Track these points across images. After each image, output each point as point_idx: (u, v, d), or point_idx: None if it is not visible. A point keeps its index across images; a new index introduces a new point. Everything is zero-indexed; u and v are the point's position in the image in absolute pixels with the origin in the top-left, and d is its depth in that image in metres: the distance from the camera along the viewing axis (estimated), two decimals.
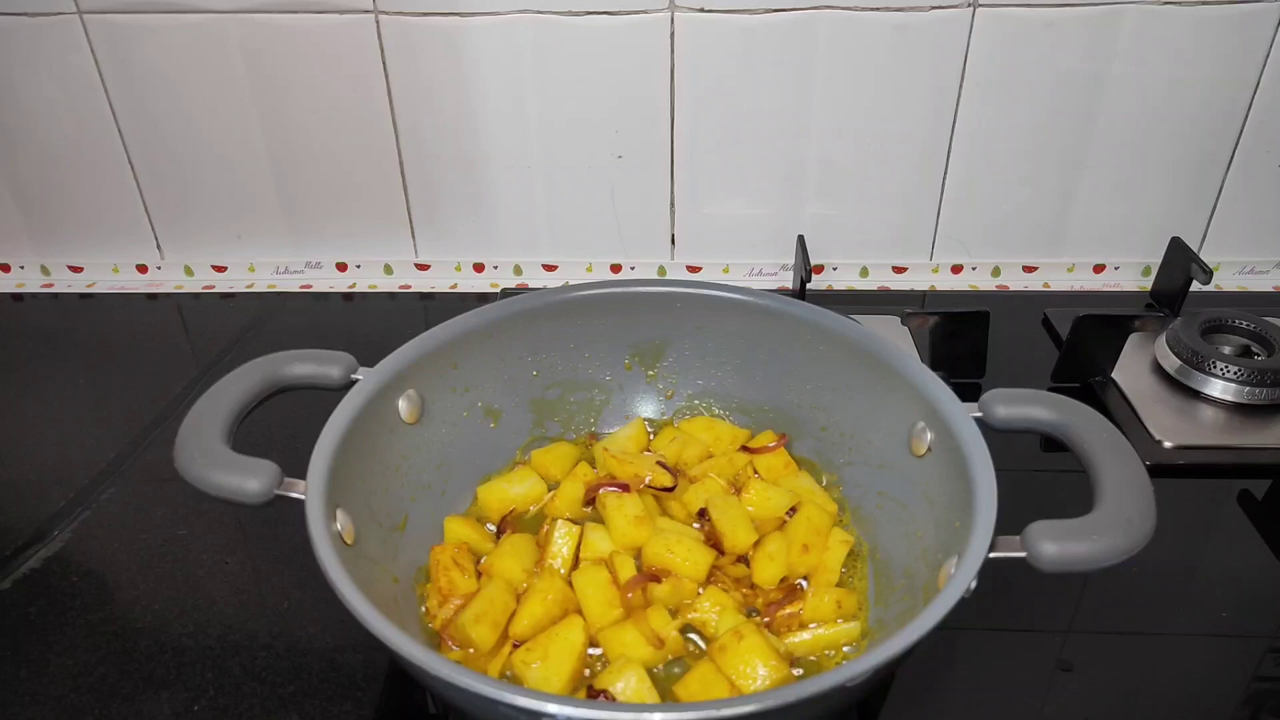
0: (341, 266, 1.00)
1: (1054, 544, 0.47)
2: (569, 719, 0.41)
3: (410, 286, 0.99)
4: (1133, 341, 0.82)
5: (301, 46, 0.86)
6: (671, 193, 0.93)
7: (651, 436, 0.71)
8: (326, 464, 0.52)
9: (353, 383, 0.59)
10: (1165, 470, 0.71)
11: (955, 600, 0.44)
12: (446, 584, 0.57)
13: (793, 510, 0.62)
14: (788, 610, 0.56)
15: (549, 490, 0.66)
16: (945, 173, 0.91)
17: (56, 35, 0.86)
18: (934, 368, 0.60)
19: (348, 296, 0.98)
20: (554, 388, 0.71)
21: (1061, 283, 0.98)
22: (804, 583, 0.59)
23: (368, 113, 0.89)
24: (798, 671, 0.54)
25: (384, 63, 0.86)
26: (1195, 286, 0.85)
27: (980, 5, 0.82)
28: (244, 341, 0.90)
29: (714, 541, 0.60)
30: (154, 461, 0.74)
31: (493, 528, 0.64)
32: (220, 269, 1.00)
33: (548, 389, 0.70)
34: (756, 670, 0.51)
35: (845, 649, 0.55)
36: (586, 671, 0.54)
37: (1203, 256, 0.92)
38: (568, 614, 0.56)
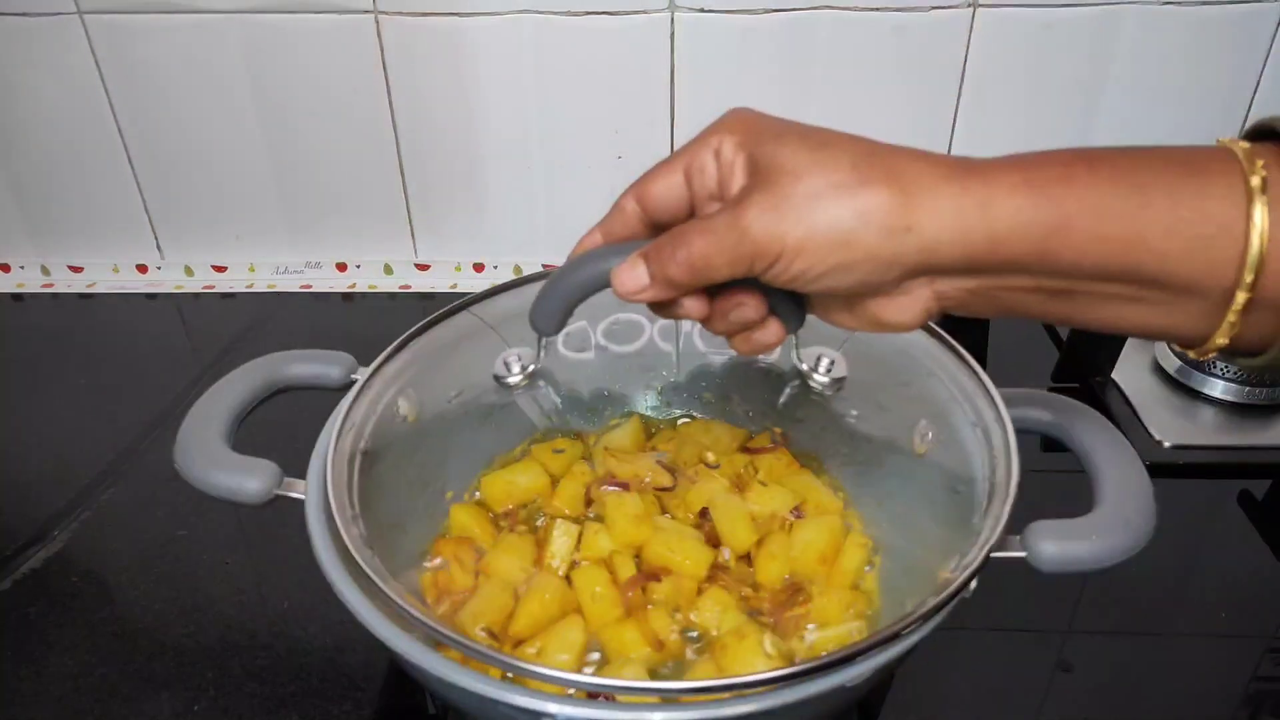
0: (341, 266, 1.00)
1: (1054, 544, 0.47)
2: (569, 719, 0.41)
3: (410, 286, 0.99)
4: (1133, 341, 0.82)
5: (301, 46, 0.86)
6: None
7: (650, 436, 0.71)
8: (326, 464, 0.52)
9: (353, 382, 0.59)
10: (1165, 470, 0.71)
11: (955, 600, 0.44)
12: (445, 578, 0.57)
13: (797, 511, 0.62)
14: (795, 612, 0.56)
15: (551, 482, 0.66)
16: None
17: (56, 35, 0.86)
18: None
19: (348, 296, 0.98)
20: (554, 387, 0.71)
21: None
22: (809, 584, 0.59)
23: (368, 113, 0.89)
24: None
25: (384, 63, 0.86)
26: None
27: (980, 5, 0.82)
28: (244, 341, 0.90)
29: (715, 541, 0.60)
30: (154, 461, 0.74)
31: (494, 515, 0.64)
32: (220, 269, 1.00)
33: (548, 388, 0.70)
34: (758, 670, 0.51)
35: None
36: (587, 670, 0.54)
37: None
38: (567, 613, 0.56)
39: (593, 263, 0.45)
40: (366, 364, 0.60)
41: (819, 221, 0.37)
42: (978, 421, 0.55)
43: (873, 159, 0.37)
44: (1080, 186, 0.36)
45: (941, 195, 0.36)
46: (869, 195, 0.36)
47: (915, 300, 0.40)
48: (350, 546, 0.46)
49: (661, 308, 0.44)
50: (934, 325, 0.60)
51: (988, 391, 0.54)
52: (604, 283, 0.44)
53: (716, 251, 0.39)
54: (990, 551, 0.47)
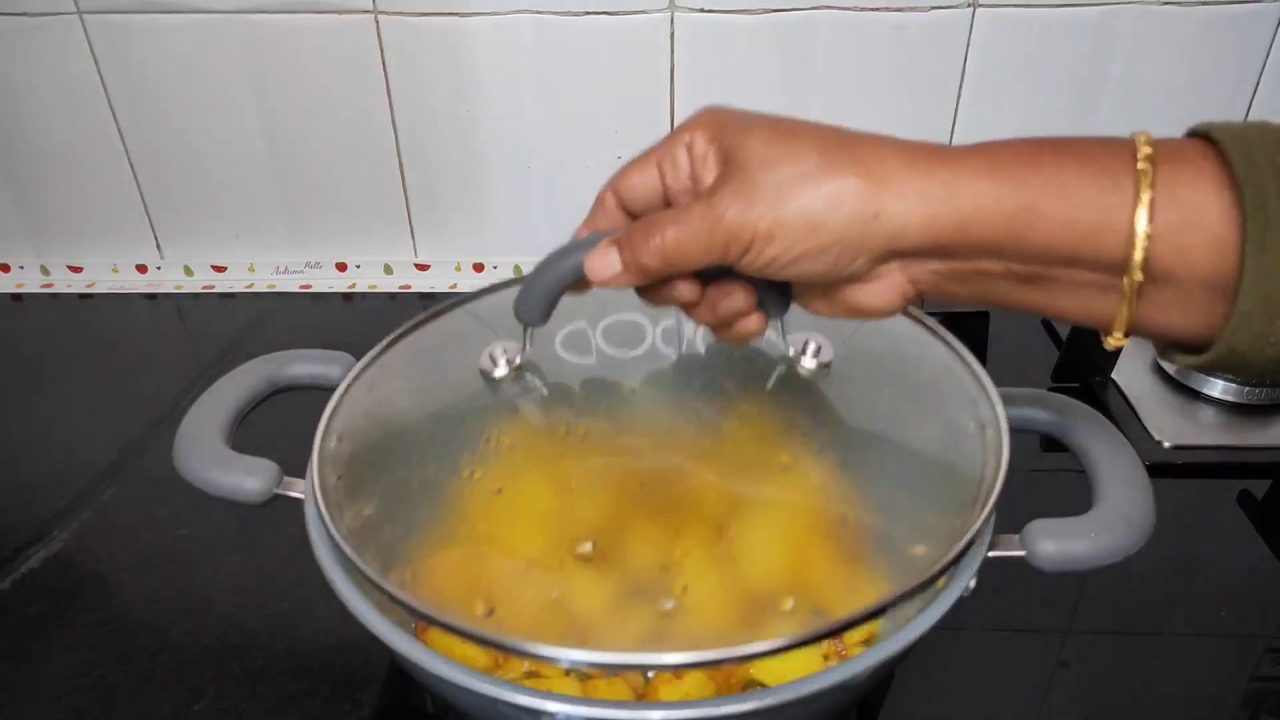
0: (341, 266, 1.00)
1: (1053, 542, 0.47)
2: (569, 718, 0.41)
3: (410, 286, 0.99)
4: (1133, 341, 0.81)
5: (301, 46, 0.86)
6: None
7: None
8: (312, 463, 0.52)
9: None
10: (1165, 470, 0.71)
11: (955, 600, 0.44)
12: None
13: (796, 509, 0.62)
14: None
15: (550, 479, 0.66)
16: None
17: (56, 35, 0.86)
18: None
19: (348, 296, 0.98)
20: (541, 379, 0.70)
21: None
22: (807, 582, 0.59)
23: (368, 113, 0.89)
24: None
25: (384, 63, 0.86)
26: None
27: (980, 5, 0.82)
28: (244, 341, 0.90)
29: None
30: (154, 461, 0.74)
31: None
32: (220, 269, 1.00)
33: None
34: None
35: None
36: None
37: None
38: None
39: (577, 252, 0.45)
40: None
41: (789, 209, 0.38)
42: (973, 416, 0.55)
43: (840, 147, 0.38)
44: (1047, 170, 0.36)
45: (908, 180, 0.37)
46: (836, 182, 0.37)
47: (890, 285, 0.41)
48: (339, 540, 0.46)
49: (651, 293, 0.45)
50: (926, 317, 0.60)
51: (981, 384, 0.54)
52: None
53: (690, 239, 0.40)
54: (990, 550, 0.47)
